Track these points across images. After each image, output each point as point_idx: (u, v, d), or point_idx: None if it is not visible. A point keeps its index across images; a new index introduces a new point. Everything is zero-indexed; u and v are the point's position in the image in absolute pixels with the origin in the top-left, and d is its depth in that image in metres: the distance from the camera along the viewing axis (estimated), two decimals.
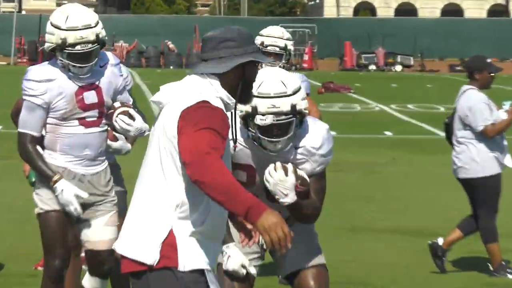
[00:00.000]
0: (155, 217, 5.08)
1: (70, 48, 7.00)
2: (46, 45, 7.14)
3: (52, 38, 6.99)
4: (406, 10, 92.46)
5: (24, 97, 7.27)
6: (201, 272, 4.87)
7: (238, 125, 5.82)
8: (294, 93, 5.78)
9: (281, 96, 5.70)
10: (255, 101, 5.67)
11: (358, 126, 26.65)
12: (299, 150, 5.83)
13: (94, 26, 7.01)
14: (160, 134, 5.15)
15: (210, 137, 4.87)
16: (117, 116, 7.49)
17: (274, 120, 5.65)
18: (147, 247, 4.94)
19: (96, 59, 7.20)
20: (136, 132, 7.63)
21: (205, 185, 4.76)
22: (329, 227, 11.80)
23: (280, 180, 5.63)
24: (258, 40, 9.33)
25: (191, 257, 4.89)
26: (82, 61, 7.04)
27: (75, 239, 7.62)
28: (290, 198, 5.62)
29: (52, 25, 6.99)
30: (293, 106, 5.72)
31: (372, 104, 33.25)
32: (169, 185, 5.10)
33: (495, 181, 10.86)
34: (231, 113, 5.32)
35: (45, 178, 7.51)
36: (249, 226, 5.43)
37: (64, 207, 7.31)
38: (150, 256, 4.89)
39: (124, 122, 7.47)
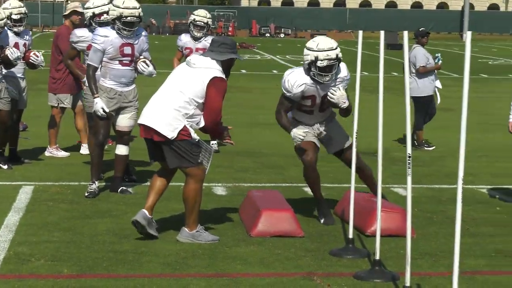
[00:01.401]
0: (177, 117, 7.64)
1: (124, 19, 9.61)
2: (110, 16, 9.81)
3: (114, 12, 9.61)
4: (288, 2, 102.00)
5: (92, 43, 9.79)
6: (198, 141, 7.74)
7: (301, 72, 8.48)
8: (337, 47, 8.37)
9: (330, 50, 8.28)
10: (316, 53, 8.24)
11: (258, 67, 33.22)
12: (338, 79, 8.48)
13: (139, 8, 9.76)
14: (194, 79, 7.68)
15: (220, 100, 7.69)
16: (138, 63, 9.85)
17: (328, 63, 8.25)
18: (172, 130, 7.62)
19: (136, 27, 9.86)
20: (148, 73, 9.92)
21: (207, 126, 7.77)
22: None
23: (342, 95, 8.30)
24: (191, 17, 12.66)
25: (195, 137, 7.70)
26: (130, 27, 9.70)
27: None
28: (347, 103, 8.34)
29: (114, 5, 9.66)
30: (337, 55, 8.33)
31: (266, 55, 40.56)
32: (189, 105, 7.69)
33: (427, 99, 13.91)
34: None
35: (92, 93, 9.81)
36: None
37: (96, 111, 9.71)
38: (172, 134, 7.63)
39: (142, 67, 9.84)
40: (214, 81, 7.62)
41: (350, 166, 7.77)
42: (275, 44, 51.81)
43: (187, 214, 7.82)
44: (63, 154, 12.37)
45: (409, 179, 6.18)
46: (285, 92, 8.46)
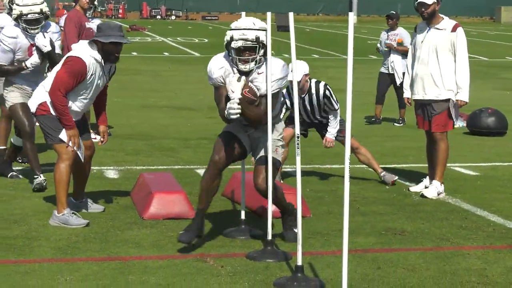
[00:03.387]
0: (42, 93, 7.77)
1: (25, 17, 8.97)
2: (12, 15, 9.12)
3: (14, 11, 8.95)
4: None
5: (1, 42, 9.12)
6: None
7: (222, 55, 7.08)
8: (260, 28, 6.89)
9: (249, 29, 6.85)
10: (231, 32, 6.90)
11: (149, 49, 33.09)
12: (260, 75, 6.89)
13: (41, 3, 9.03)
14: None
15: (62, 75, 7.61)
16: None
17: (244, 44, 6.80)
18: (33, 105, 7.79)
19: (42, 24, 9.13)
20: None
21: (49, 96, 7.65)
22: None
23: (233, 81, 6.74)
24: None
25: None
26: (33, 25, 9.02)
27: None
28: (236, 94, 6.67)
29: (14, 3, 9.02)
30: (257, 37, 6.84)
31: (157, 37, 40.45)
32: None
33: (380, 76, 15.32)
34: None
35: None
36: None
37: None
38: (33, 109, 7.80)
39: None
40: (66, 59, 7.74)
41: (255, 180, 7.08)
42: (166, 27, 51.55)
43: (56, 195, 7.81)
44: None
45: (298, 159, 6.27)
46: (208, 79, 7.17)
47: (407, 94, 9.63)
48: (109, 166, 10.54)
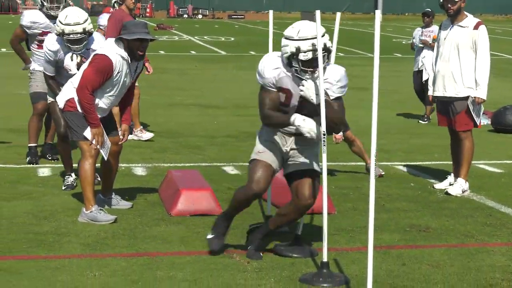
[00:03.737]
0: (70, 89, 7.78)
1: (67, 37, 8.43)
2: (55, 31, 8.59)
3: (57, 28, 8.45)
4: None
5: (45, 54, 8.86)
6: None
7: (278, 57, 6.47)
8: (323, 34, 6.30)
9: (314, 38, 6.24)
10: (298, 43, 6.27)
11: (176, 48, 33.10)
12: (324, 81, 6.27)
13: (84, 22, 8.44)
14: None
15: (90, 73, 7.64)
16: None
17: (314, 55, 6.23)
18: (61, 101, 7.81)
19: (84, 43, 8.56)
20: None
21: (76, 93, 7.68)
22: None
23: (311, 86, 6.24)
24: None
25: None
26: (75, 44, 8.49)
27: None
28: (316, 100, 6.24)
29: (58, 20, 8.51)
30: (325, 44, 6.30)
31: (184, 36, 40.25)
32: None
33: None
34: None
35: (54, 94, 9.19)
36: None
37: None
38: (61, 105, 7.82)
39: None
40: (93, 57, 7.75)
41: (302, 195, 6.60)
42: (193, 25, 51.52)
43: (83, 193, 7.84)
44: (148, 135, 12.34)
45: (324, 156, 6.25)
46: (258, 77, 6.59)
47: (430, 91, 9.62)
48: (137, 164, 10.54)
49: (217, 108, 16.19)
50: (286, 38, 6.40)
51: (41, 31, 10.06)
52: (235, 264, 6.59)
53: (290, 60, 6.37)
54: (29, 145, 10.35)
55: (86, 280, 6.12)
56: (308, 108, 6.42)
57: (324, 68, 6.35)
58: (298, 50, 6.27)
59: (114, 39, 7.91)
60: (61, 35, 8.49)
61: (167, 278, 6.22)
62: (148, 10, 68.50)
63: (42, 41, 9.65)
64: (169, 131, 13.16)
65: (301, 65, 6.31)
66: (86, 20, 8.54)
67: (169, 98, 17.67)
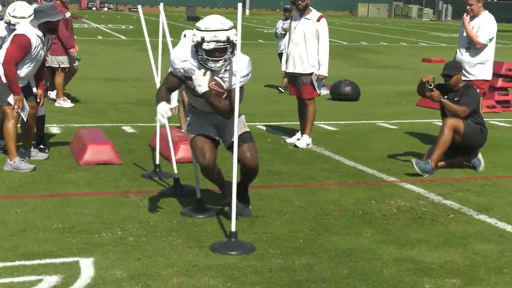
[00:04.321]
0: None
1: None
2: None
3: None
4: None
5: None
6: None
7: (189, 47, 5.68)
8: (229, 28, 5.56)
9: (220, 30, 5.51)
10: (203, 33, 5.52)
11: (87, 34, 31.49)
12: (227, 72, 5.64)
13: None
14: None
15: (11, 51, 7.41)
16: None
17: (216, 46, 5.49)
18: None
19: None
20: None
21: (3, 71, 7.49)
22: None
23: (199, 76, 5.50)
24: None
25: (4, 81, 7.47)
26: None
27: None
28: (203, 88, 5.48)
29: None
30: (228, 38, 5.53)
31: (93, 24, 39.17)
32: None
33: None
34: None
35: None
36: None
37: None
38: None
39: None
40: (13, 37, 7.52)
41: (247, 160, 5.95)
42: (100, 16, 49.88)
43: (6, 146, 7.63)
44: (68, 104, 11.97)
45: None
46: (170, 66, 5.86)
47: (284, 68, 9.70)
48: (53, 124, 10.26)
49: (119, 81, 15.90)
50: (196, 29, 5.70)
51: None
52: (130, 201, 6.54)
53: (197, 49, 5.65)
54: None
55: (10, 216, 5.98)
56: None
57: (229, 59, 5.67)
58: (202, 39, 5.57)
59: (29, 21, 7.66)
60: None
61: (75, 213, 6.13)
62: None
63: None
64: (79, 99, 12.88)
65: (205, 54, 5.60)
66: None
67: (80, 73, 17.24)
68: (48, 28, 7.60)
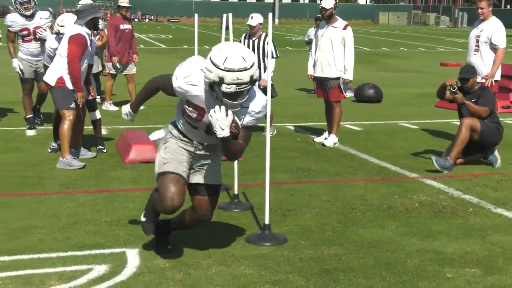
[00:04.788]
0: (56, 70, 7.55)
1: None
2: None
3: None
4: None
5: None
6: (72, 91, 7.47)
7: (200, 71, 4.37)
8: (251, 66, 4.22)
9: (243, 70, 4.16)
10: (222, 73, 4.15)
11: None
12: (244, 108, 4.37)
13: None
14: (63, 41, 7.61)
15: (72, 50, 7.47)
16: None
17: (237, 89, 4.18)
18: (52, 79, 7.54)
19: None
20: None
21: (68, 71, 7.46)
22: None
23: (221, 118, 4.16)
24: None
25: (70, 85, 7.48)
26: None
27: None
28: (225, 133, 4.20)
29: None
30: (251, 77, 4.22)
31: (135, 34, 42.27)
32: (63, 60, 7.52)
33: None
34: None
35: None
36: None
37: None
38: (52, 82, 7.53)
39: None
40: (70, 38, 7.52)
41: (200, 211, 4.79)
42: (141, 26, 50.15)
43: (60, 145, 7.65)
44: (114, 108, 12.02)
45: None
46: (174, 76, 4.59)
47: (310, 72, 9.65)
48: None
49: None
50: (212, 63, 4.25)
51: (20, 28, 9.62)
52: None
53: (212, 86, 4.29)
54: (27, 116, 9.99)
55: (62, 210, 6.02)
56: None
57: (248, 96, 4.39)
58: (221, 80, 4.20)
59: (75, 21, 7.73)
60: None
61: (122, 207, 6.15)
62: (108, 15, 67.18)
63: (23, 36, 9.37)
64: (123, 102, 12.91)
65: (222, 96, 4.26)
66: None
67: (124, 78, 17.30)
68: (93, 24, 7.67)
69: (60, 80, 7.59)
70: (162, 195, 4.61)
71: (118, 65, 12.02)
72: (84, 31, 7.57)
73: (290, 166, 7.98)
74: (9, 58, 9.80)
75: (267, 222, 5.36)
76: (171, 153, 4.69)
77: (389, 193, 6.86)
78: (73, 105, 7.59)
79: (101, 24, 11.08)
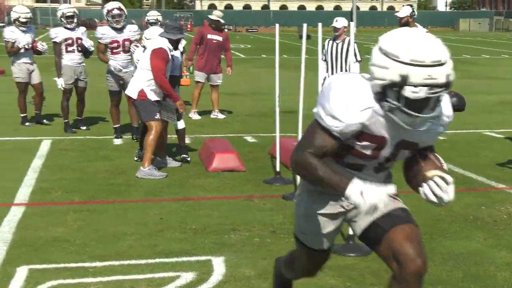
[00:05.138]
0: (138, 82, 7.62)
1: None
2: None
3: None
4: (228, 6, 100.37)
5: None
6: (156, 101, 7.49)
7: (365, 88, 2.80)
8: (447, 60, 2.74)
9: (438, 65, 2.68)
10: (407, 69, 2.66)
11: None
12: (435, 121, 2.91)
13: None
14: (145, 53, 7.72)
15: (157, 63, 7.50)
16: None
17: (428, 94, 2.66)
18: (134, 92, 7.59)
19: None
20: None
21: (156, 83, 7.47)
22: None
23: (451, 196, 2.89)
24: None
25: (152, 97, 7.54)
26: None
27: None
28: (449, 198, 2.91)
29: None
30: (448, 76, 2.72)
31: None
32: (147, 74, 7.53)
33: None
34: None
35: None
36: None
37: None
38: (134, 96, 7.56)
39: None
40: (153, 51, 7.59)
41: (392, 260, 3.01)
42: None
43: (143, 154, 7.72)
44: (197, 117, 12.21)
45: None
46: (332, 121, 2.86)
47: None
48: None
49: (240, 95, 16.01)
50: (387, 55, 2.77)
51: (110, 40, 9.86)
52: (255, 205, 6.55)
53: (385, 92, 2.78)
54: (114, 126, 10.26)
55: (149, 217, 6.12)
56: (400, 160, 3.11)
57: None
58: (404, 80, 2.71)
59: (159, 34, 7.88)
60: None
61: (206, 215, 6.20)
62: (189, 26, 68.40)
63: (112, 48, 9.62)
64: (205, 111, 13.06)
65: (404, 104, 2.75)
66: None
67: (206, 88, 17.58)
68: (176, 45, 7.81)
69: (142, 93, 7.70)
70: (300, 266, 3.46)
71: (191, 69, 12.19)
72: (166, 45, 7.68)
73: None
74: (100, 68, 10.01)
75: (351, 232, 5.28)
76: (312, 225, 3.20)
77: (475, 203, 6.65)
78: (157, 116, 7.68)
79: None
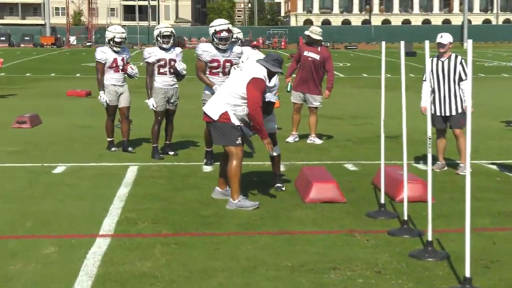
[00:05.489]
0: (221, 104, 7.63)
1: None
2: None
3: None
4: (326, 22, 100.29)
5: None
6: (237, 126, 7.60)
7: None
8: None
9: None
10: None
11: None
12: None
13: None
14: (240, 78, 7.66)
15: (256, 94, 7.42)
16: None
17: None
18: (215, 113, 7.60)
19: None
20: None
21: (249, 113, 7.51)
22: None
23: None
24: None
25: (234, 122, 7.59)
26: None
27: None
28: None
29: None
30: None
31: None
32: (237, 99, 7.62)
33: None
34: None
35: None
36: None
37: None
38: (215, 117, 7.59)
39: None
40: (253, 81, 7.57)
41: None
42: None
43: (230, 186, 7.69)
44: (319, 141, 12.36)
45: (429, 156, 6.00)
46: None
47: None
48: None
49: (338, 119, 15.94)
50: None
51: (210, 59, 9.70)
52: (357, 241, 6.42)
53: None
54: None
55: (241, 252, 6.08)
56: None
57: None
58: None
59: (257, 60, 7.94)
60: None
61: (303, 251, 6.11)
62: (282, 43, 68.96)
63: (211, 68, 9.61)
64: (301, 136, 13.02)
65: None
66: None
67: (303, 110, 17.60)
68: (270, 77, 7.84)
69: (225, 115, 7.65)
70: None
71: (289, 86, 12.37)
72: (263, 74, 7.69)
73: (491, 210, 7.57)
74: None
75: (467, 275, 5.07)
76: None
77: None
78: (239, 141, 7.65)
79: None
